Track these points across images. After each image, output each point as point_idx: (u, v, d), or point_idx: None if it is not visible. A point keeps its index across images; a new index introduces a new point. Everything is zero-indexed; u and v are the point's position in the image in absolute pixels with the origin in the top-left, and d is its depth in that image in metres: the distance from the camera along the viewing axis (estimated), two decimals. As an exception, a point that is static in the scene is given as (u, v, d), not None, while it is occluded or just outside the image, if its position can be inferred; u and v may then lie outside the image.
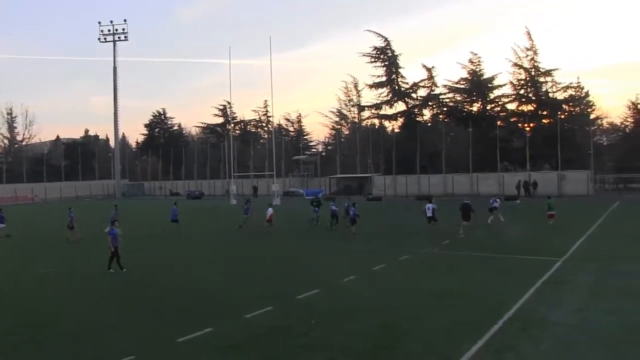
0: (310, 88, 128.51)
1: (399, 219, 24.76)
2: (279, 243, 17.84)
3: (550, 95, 65.21)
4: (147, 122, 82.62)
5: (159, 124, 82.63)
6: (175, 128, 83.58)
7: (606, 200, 39.26)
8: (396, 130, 76.88)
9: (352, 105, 79.81)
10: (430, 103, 70.30)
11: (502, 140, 59.58)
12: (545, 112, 64.72)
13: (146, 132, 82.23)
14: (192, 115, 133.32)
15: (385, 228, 20.44)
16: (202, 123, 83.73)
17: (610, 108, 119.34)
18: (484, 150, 60.48)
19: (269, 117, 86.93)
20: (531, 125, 64.71)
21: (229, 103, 78.24)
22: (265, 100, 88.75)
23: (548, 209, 22.15)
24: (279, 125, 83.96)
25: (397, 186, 55.85)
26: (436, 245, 15.82)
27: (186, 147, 75.32)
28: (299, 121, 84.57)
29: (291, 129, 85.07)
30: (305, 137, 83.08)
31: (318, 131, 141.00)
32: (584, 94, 65.65)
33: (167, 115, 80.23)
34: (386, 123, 77.58)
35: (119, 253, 13.59)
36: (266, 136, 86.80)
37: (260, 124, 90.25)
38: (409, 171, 60.58)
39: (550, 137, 59.13)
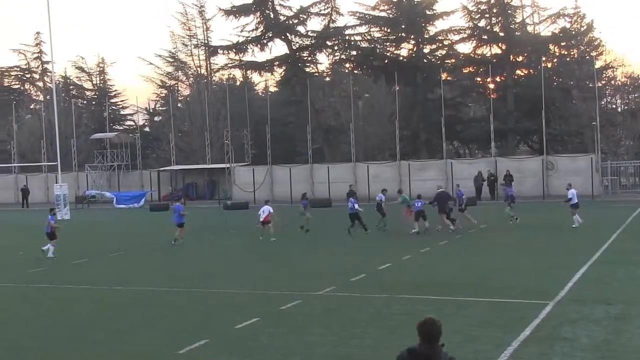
0: (122, 15, 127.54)
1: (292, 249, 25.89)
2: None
3: (530, 29, 66.21)
4: None
5: None
6: None
7: (622, 204, 40.85)
8: (272, 90, 76.75)
9: (196, 46, 78.28)
10: (328, 43, 70.13)
11: (449, 106, 64.44)
12: (520, 59, 66.31)
13: None
14: None
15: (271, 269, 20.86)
16: None
17: (630, 52, 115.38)
18: (419, 123, 66.77)
19: (45, 63, 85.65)
20: (498, 80, 66.27)
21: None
22: (38, 34, 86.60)
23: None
24: (65, 79, 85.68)
25: (275, 183, 58.53)
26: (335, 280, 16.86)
27: None
28: (102, 73, 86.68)
29: (88, 86, 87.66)
30: (114, 101, 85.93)
31: (137, 91, 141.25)
32: (584, 27, 65.89)
33: None
34: (255, 77, 79.74)
35: None
36: (40, 97, 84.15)
37: (27, 76, 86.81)
38: (292, 159, 65.38)
39: (529, 100, 61.18)
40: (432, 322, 5.42)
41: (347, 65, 70.63)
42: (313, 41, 69.61)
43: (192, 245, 26.55)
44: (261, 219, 27.98)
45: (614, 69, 66.84)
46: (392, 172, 54.66)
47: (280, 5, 69.35)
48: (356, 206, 28.51)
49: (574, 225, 27.86)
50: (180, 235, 27.04)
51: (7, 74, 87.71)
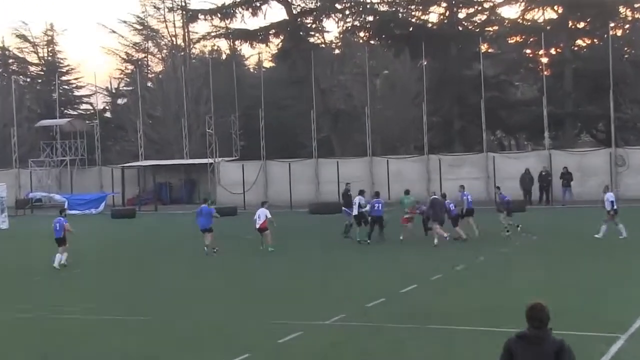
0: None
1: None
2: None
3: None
4: None
5: None
6: None
7: None
8: (267, 65, 76.86)
9: (171, 10, 78.95)
10: (338, 6, 70.71)
11: (491, 85, 64.38)
12: (581, 25, 66.55)
13: None
14: None
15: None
16: None
17: None
18: (452, 107, 65.90)
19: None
20: (552, 52, 66.26)
21: None
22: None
23: None
24: (2, 50, 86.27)
25: (270, 183, 58.91)
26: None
27: None
28: (51, 43, 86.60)
29: (33, 59, 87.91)
30: (66, 79, 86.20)
31: (96, 67, 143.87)
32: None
33: None
34: (246, 49, 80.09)
35: None
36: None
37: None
38: (293, 152, 64.94)
39: (592, 78, 61.04)
40: (541, 307, 6.94)
41: (362, 34, 70.67)
42: (319, 4, 69.75)
43: (167, 261, 26.64)
44: (257, 226, 28.71)
45: None
46: (418, 168, 54.84)
47: (278, -43, 69.57)
48: (378, 207, 30.59)
49: (597, 235, 28.98)
50: (212, 242, 28.94)
51: None
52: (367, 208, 30.77)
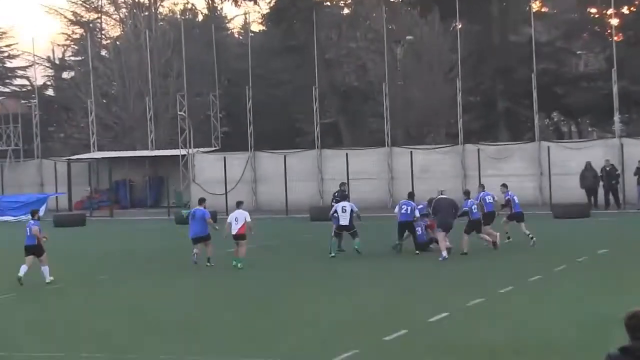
0: None
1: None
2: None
3: None
4: None
5: None
6: None
7: None
8: (256, 29, 78.36)
9: None
10: None
11: (545, 54, 64.85)
12: None
13: None
14: None
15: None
16: None
17: None
18: (495, 83, 65.99)
19: None
20: (625, 12, 66.64)
21: None
22: None
23: None
24: None
25: (259, 181, 59.75)
26: None
27: None
28: None
29: None
30: None
31: (35, 30, 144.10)
32: None
33: None
34: (228, 7, 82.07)
35: None
36: None
37: None
38: (289, 141, 65.76)
39: None
40: None
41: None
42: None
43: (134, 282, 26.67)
44: (233, 232, 29.16)
45: None
46: (450, 161, 55.15)
47: None
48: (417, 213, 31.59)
49: None
50: (210, 251, 30.03)
51: None
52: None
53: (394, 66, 60.71)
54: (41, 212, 56.51)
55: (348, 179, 53.18)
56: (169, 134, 63.89)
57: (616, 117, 55.42)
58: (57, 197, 60.91)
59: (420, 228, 31.60)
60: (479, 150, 53.89)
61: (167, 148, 62.81)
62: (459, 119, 55.97)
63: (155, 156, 62.71)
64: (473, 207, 31.47)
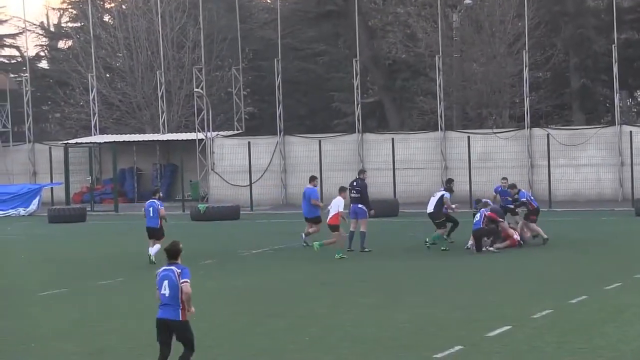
0: None
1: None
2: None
3: None
4: None
5: None
6: None
7: None
8: None
9: None
10: None
11: (629, 23, 65.78)
12: None
13: None
14: None
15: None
16: None
17: None
18: (569, 57, 66.14)
19: None
20: None
21: None
22: None
23: None
24: None
25: (289, 171, 60.01)
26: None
27: None
28: None
29: None
30: None
31: None
32: None
33: None
34: None
35: None
36: None
37: None
38: (325, 124, 66.43)
39: None
40: None
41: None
42: None
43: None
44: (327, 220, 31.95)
45: None
46: (515, 149, 55.45)
47: None
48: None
49: None
50: (313, 231, 34.31)
51: None
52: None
53: (449, 36, 60.89)
54: (34, 206, 57.79)
55: (394, 168, 53.57)
56: (184, 115, 64.32)
57: None
58: (52, 188, 60.97)
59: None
60: (548, 135, 53.86)
61: (182, 131, 63.32)
62: (525, 98, 56.14)
63: (168, 141, 63.21)
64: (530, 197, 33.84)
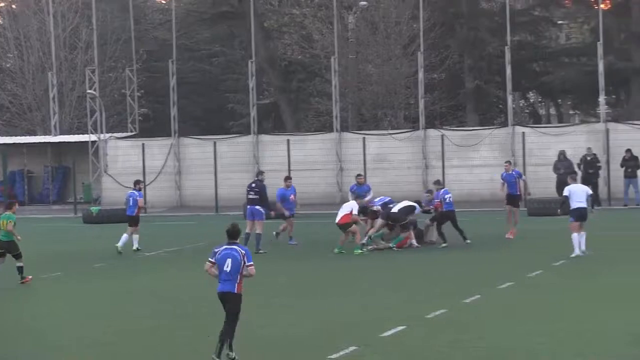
0: None
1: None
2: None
3: None
4: None
5: None
6: None
7: None
8: None
9: None
10: None
11: (520, 25, 67.22)
12: None
13: None
14: None
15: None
16: None
17: None
18: (463, 59, 66.82)
19: None
20: None
21: None
22: None
23: None
24: None
25: (184, 173, 60.02)
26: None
27: None
28: None
29: None
30: None
31: None
32: None
33: None
34: None
35: None
36: None
37: None
38: (220, 126, 68.16)
39: None
40: None
41: None
42: None
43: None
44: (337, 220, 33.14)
45: None
46: (410, 149, 55.57)
47: None
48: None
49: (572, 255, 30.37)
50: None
51: None
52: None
53: (344, 37, 61.02)
54: None
55: (289, 169, 53.46)
56: (77, 117, 63.67)
57: (601, 98, 55.89)
58: None
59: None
60: (442, 136, 54.35)
61: (74, 133, 62.54)
62: (420, 99, 56.30)
63: (60, 142, 62.43)
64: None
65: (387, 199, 34.98)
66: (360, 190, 35.44)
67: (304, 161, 54.69)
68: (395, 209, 33.26)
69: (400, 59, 59.54)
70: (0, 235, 28.50)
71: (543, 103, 77.51)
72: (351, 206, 33.26)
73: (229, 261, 17.60)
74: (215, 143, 56.68)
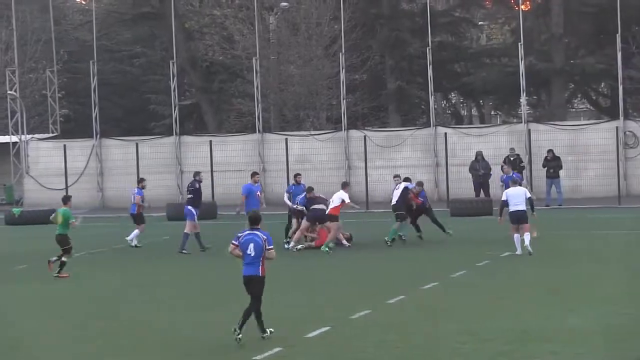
0: None
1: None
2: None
3: None
4: None
5: None
6: None
7: None
8: None
9: None
10: None
11: (441, 26, 67.89)
12: None
13: None
14: None
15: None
16: None
17: None
18: (384, 59, 66.74)
19: None
20: None
21: None
22: None
23: None
24: None
25: (107, 174, 59.79)
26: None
27: None
28: None
29: None
30: None
31: None
32: None
33: None
34: None
35: None
36: None
37: None
38: (142, 127, 68.18)
39: (594, 15, 62.18)
40: None
41: None
42: None
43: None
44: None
45: None
46: (332, 150, 55.85)
47: None
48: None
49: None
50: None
51: None
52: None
53: (265, 38, 60.96)
54: None
55: (212, 170, 53.43)
56: (-3, 117, 63.11)
57: (523, 99, 56.48)
58: None
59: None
60: (365, 137, 54.35)
61: (-5, 134, 62.06)
62: (342, 100, 56.37)
63: (-21, 144, 61.69)
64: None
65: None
66: (297, 190, 35.47)
67: (226, 162, 54.56)
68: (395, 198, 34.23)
69: (322, 60, 59.62)
70: (59, 228, 30.00)
71: (465, 104, 78.02)
72: (341, 197, 33.43)
73: (251, 246, 18.82)
74: (137, 144, 56.41)
